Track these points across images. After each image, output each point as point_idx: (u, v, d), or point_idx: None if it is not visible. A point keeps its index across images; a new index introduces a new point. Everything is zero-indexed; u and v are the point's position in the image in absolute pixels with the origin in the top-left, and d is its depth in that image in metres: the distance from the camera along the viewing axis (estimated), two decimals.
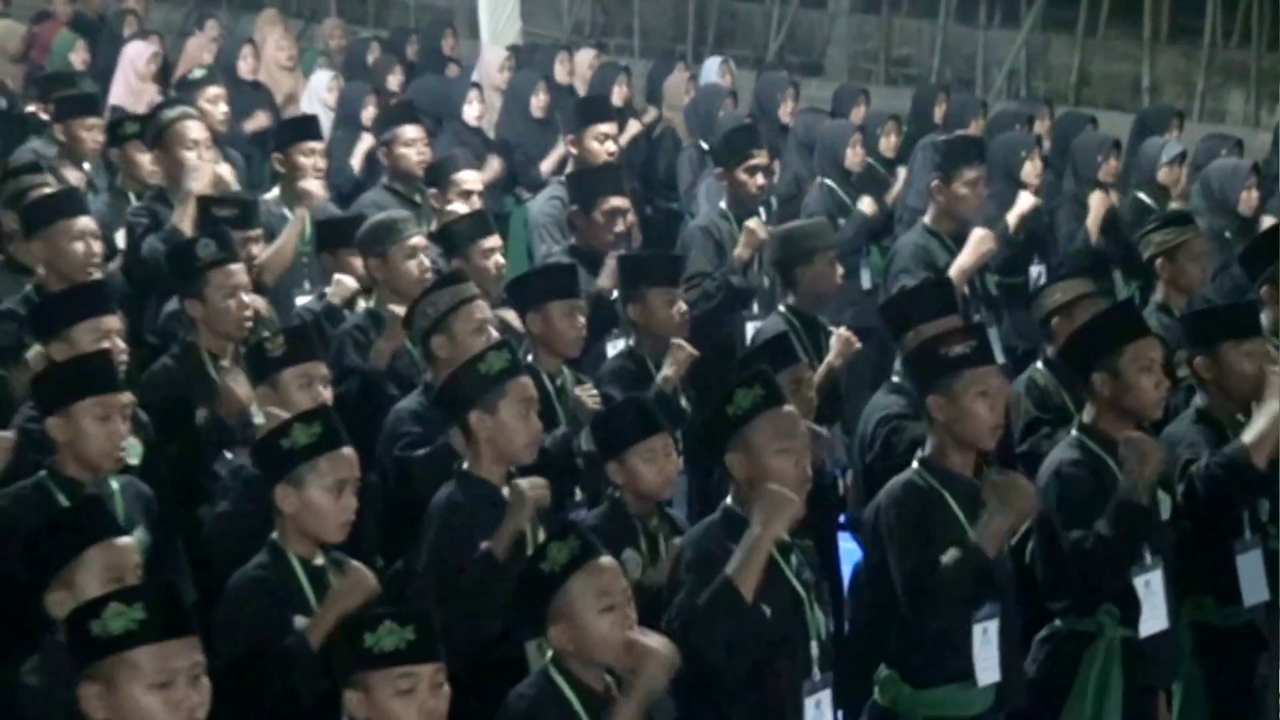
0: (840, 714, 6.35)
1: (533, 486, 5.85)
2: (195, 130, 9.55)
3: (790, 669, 5.52)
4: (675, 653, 4.87)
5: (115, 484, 6.02)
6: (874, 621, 5.99)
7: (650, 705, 4.87)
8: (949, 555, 5.68)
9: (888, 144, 12.08)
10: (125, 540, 5.06)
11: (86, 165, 10.37)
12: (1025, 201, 9.80)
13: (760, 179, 9.65)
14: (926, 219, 9.09)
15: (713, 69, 14.49)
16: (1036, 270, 9.81)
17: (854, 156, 11.19)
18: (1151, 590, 6.13)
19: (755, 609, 5.31)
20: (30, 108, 13.33)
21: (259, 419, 6.40)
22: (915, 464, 5.99)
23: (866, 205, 10.30)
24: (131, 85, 14.06)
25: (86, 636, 4.11)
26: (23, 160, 10.38)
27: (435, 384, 6.67)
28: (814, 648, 5.60)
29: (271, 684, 5.20)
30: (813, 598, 5.62)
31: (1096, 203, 10.13)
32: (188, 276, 7.36)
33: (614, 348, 8.15)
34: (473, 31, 15.93)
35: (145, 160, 9.80)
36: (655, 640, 4.85)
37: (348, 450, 5.55)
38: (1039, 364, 7.38)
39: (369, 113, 12.61)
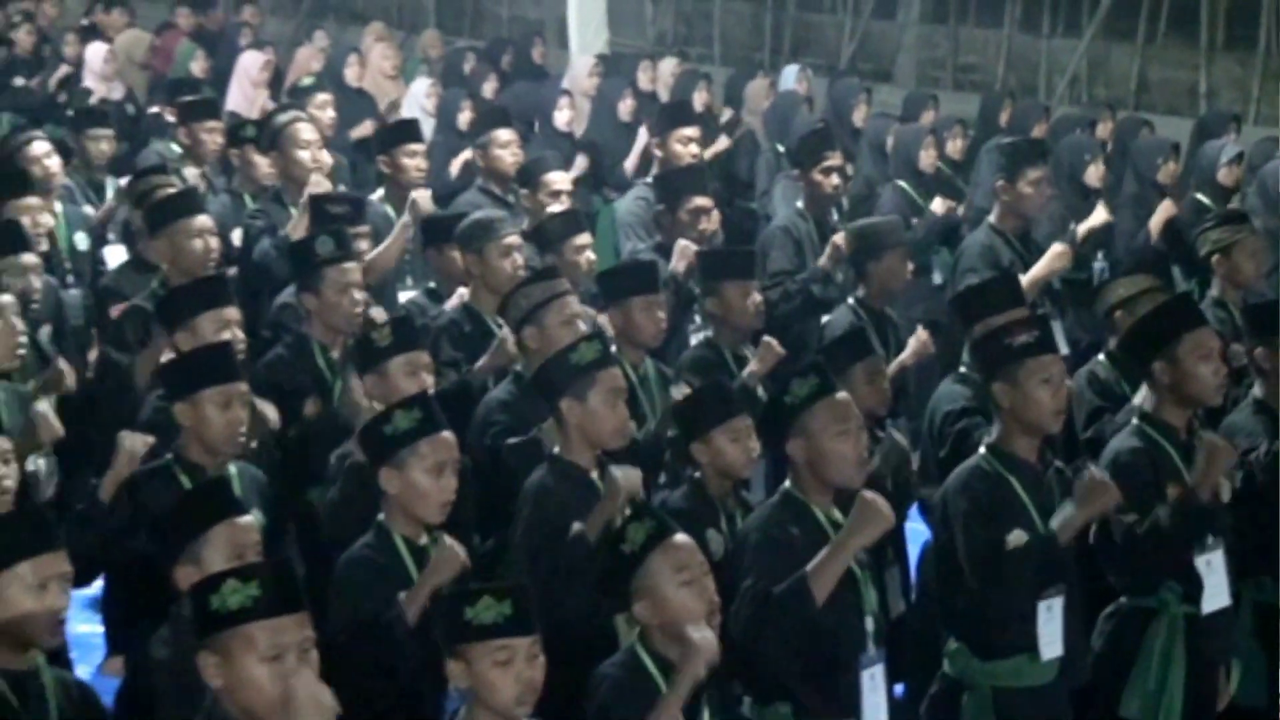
0: (902, 686, 6.40)
1: (627, 477, 5.85)
2: (308, 132, 9.63)
3: (848, 645, 5.51)
4: (715, 647, 4.85)
5: (233, 468, 6.04)
6: (942, 598, 5.97)
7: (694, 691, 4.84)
8: (1015, 536, 5.69)
9: (954, 147, 12.04)
10: (247, 519, 5.09)
11: (206, 166, 10.45)
12: (1098, 216, 9.76)
13: (835, 179, 9.61)
14: (992, 218, 9.06)
15: (790, 76, 14.44)
16: (1099, 266, 9.76)
17: (927, 159, 11.14)
18: (1213, 569, 6.11)
19: (822, 612, 5.32)
20: (154, 110, 13.48)
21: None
22: (982, 449, 5.97)
23: (938, 206, 10.26)
24: (246, 92, 14.17)
25: (206, 610, 4.13)
26: (148, 162, 10.49)
27: (526, 374, 6.69)
28: (869, 623, 5.58)
29: (375, 656, 5.25)
30: (867, 577, 5.60)
31: (1164, 207, 10.11)
32: (305, 271, 7.40)
33: (695, 338, 8.15)
34: (562, 42, 15.94)
35: (261, 162, 9.87)
36: (699, 634, 4.83)
37: (447, 434, 5.58)
38: (1101, 356, 7.34)
39: (465, 117, 12.67)
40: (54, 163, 9.71)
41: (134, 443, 6.02)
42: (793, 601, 5.28)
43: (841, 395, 5.70)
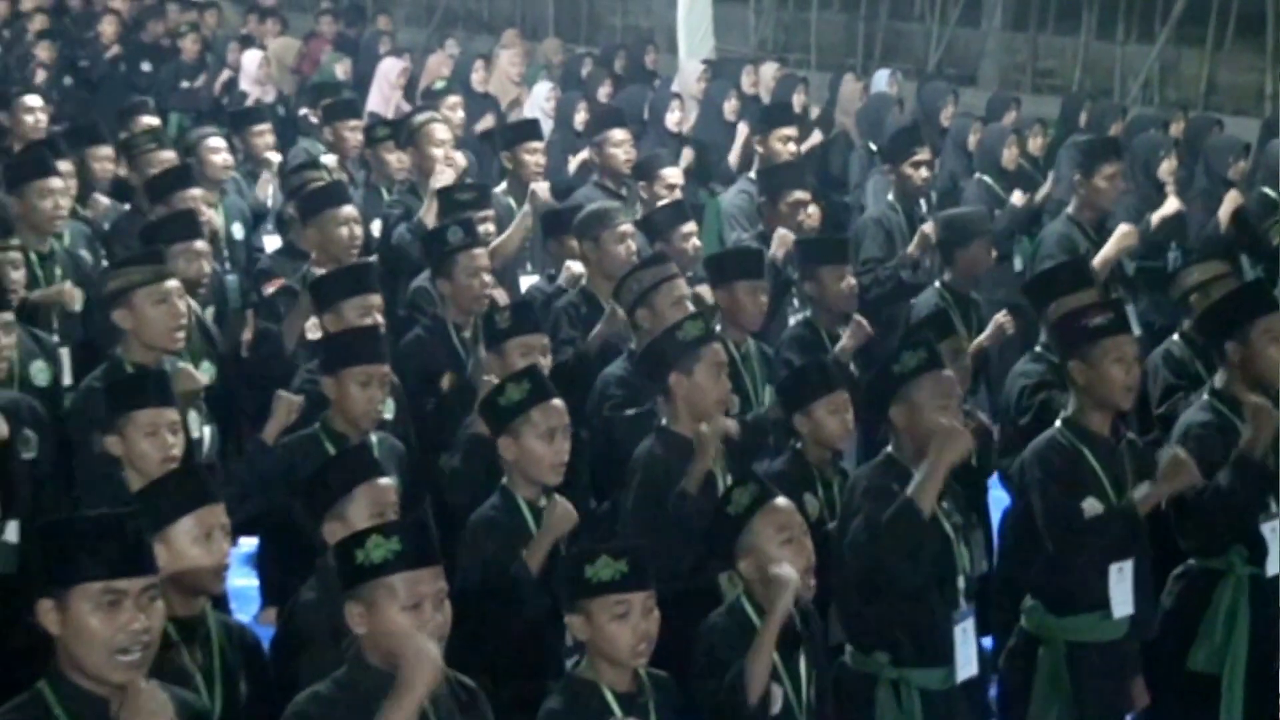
0: (991, 639, 6.36)
1: (712, 430, 5.88)
2: (441, 131, 9.70)
3: (941, 598, 5.49)
4: (798, 580, 4.85)
5: (374, 437, 6.08)
6: (1021, 559, 5.95)
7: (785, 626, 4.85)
8: (1090, 504, 5.67)
9: (1035, 145, 12.05)
10: (386, 480, 5.12)
11: (347, 162, 10.53)
12: (1170, 205, 9.68)
13: (924, 173, 9.57)
14: (1070, 210, 9.00)
15: (882, 79, 14.39)
16: (1173, 255, 9.67)
17: (1010, 156, 11.11)
18: (1278, 535, 6.05)
19: (931, 523, 5.30)
20: (302, 111, 13.59)
21: None
22: (1058, 423, 5.94)
23: (1018, 199, 10.20)
24: (385, 95, 14.26)
25: (352, 563, 4.15)
26: (298, 159, 10.59)
27: (639, 351, 6.70)
28: (960, 581, 5.55)
29: (501, 607, 5.28)
30: (960, 538, 5.56)
31: (1231, 198, 9.99)
32: (438, 258, 7.44)
33: (792, 320, 8.15)
34: (671, 48, 15.93)
35: (394, 159, 9.95)
36: (782, 569, 4.84)
37: (556, 401, 5.60)
38: (1175, 337, 7.25)
39: (580, 118, 12.70)
40: (224, 158, 9.81)
41: (290, 398, 6.10)
42: (904, 516, 5.25)
43: (946, 372, 5.67)
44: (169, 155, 9.52)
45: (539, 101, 13.60)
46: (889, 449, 5.63)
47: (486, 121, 13.20)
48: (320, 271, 7.60)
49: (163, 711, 3.67)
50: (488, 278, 7.42)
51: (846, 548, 5.41)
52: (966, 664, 5.50)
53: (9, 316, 6.25)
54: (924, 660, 5.46)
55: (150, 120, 10.76)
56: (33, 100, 10.93)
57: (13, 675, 4.10)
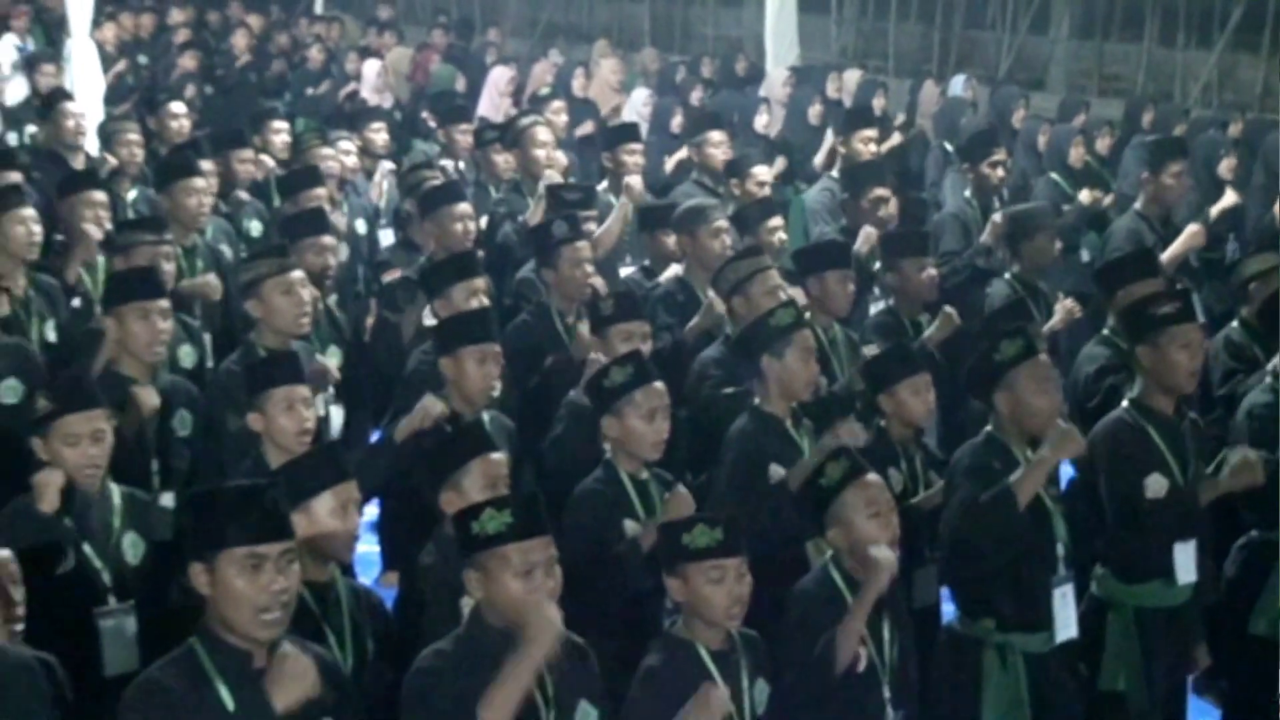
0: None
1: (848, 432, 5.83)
2: (544, 134, 9.74)
3: (1041, 566, 5.46)
4: (895, 564, 4.85)
5: (486, 415, 6.09)
6: (1089, 530, 5.89)
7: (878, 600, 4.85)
8: (1154, 481, 5.65)
9: (1103, 144, 12.00)
10: (498, 455, 5.13)
11: (460, 163, 10.58)
12: (1229, 199, 9.64)
13: (1000, 172, 9.52)
14: (1137, 205, 8.94)
15: (957, 85, 14.34)
16: (1231, 247, 9.59)
17: (1076, 155, 11.07)
18: None
19: (1022, 517, 5.28)
20: (424, 115, 13.69)
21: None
22: (1125, 403, 5.90)
23: (1085, 196, 10.12)
24: (494, 101, 14.33)
25: (469, 534, 4.17)
26: (415, 159, 10.66)
27: (734, 336, 6.70)
28: (1059, 549, 5.52)
29: (607, 574, 5.29)
30: (1058, 509, 5.55)
31: None
32: (544, 250, 7.46)
33: (874, 308, 8.13)
34: (760, 56, 15.87)
35: (502, 160, 9.98)
36: (881, 553, 4.82)
37: (658, 384, 5.59)
38: (1235, 323, 7.18)
39: (676, 122, 12.72)
40: (351, 160, 9.88)
41: (434, 403, 6.04)
42: (1000, 504, 5.25)
43: (1043, 358, 5.64)
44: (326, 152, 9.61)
45: (637, 106, 13.62)
46: (989, 428, 5.61)
47: (586, 126, 13.23)
48: None
49: (307, 675, 3.70)
50: (590, 268, 7.43)
51: (945, 523, 5.42)
52: (1065, 626, 5.48)
53: (166, 304, 6.31)
54: (1027, 626, 5.45)
55: (281, 124, 10.84)
56: (177, 107, 11.03)
57: (168, 632, 4.13)
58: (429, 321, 7.12)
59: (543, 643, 4.00)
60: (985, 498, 5.25)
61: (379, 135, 10.90)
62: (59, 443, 5.18)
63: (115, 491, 5.28)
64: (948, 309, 7.36)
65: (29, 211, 7.45)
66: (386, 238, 9.84)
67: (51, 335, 7.29)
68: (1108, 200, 10.35)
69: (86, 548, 5.13)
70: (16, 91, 13.84)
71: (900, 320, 7.51)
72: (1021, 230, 8.08)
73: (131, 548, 5.20)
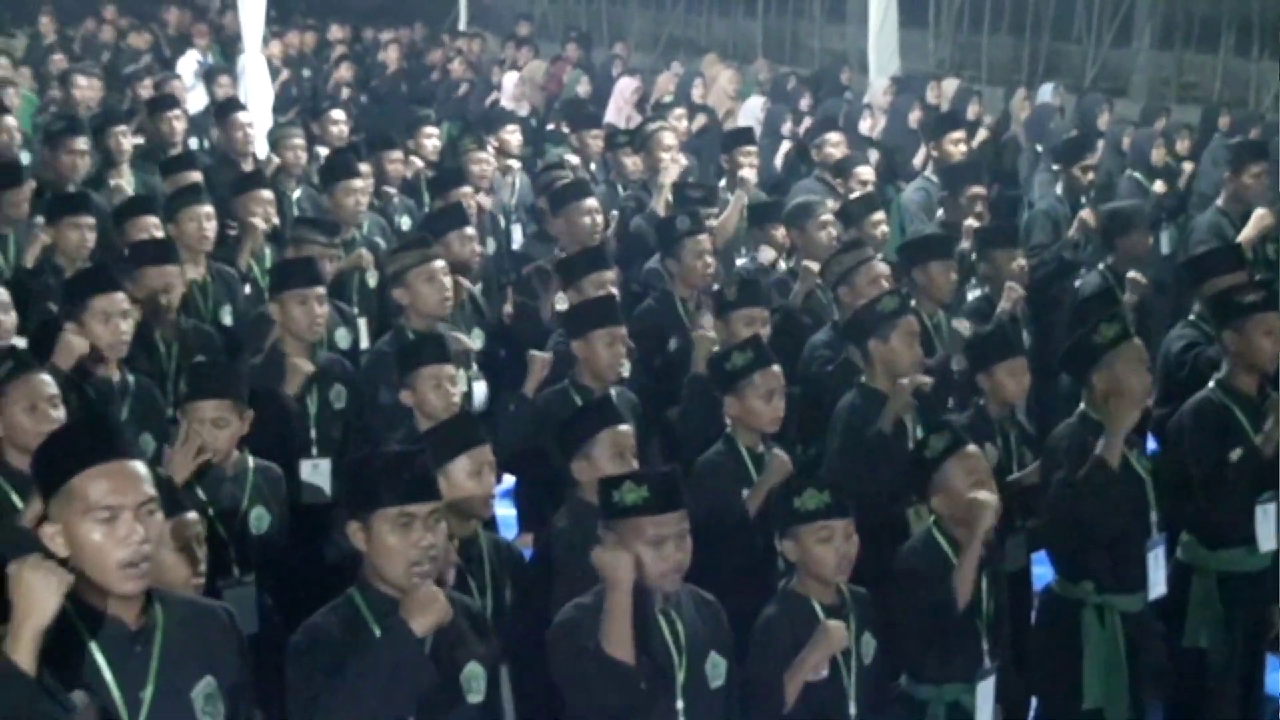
0: None
1: (910, 384, 5.83)
2: (669, 138, 9.76)
3: (1137, 531, 5.39)
4: (997, 505, 4.80)
5: (614, 391, 6.09)
6: (1176, 500, 5.77)
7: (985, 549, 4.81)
8: (1236, 454, 5.54)
9: (1181, 147, 11.83)
10: (626, 427, 5.12)
11: (592, 164, 10.58)
12: None
13: (1090, 175, 9.43)
14: (1219, 202, 8.81)
15: (1046, 92, 14.14)
16: None
17: (1158, 156, 10.94)
18: None
19: (1125, 469, 5.25)
20: (549, 126, 13.72)
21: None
22: (1211, 383, 5.83)
23: (1159, 188, 10.01)
24: (621, 109, 14.30)
25: (609, 501, 4.15)
26: (549, 161, 10.67)
27: (841, 321, 6.65)
28: (1152, 515, 5.45)
29: (725, 538, 5.25)
30: (1151, 479, 5.48)
31: None
32: (669, 242, 7.46)
33: (970, 295, 8.04)
34: (863, 67, 15.76)
35: (630, 162, 9.99)
36: (984, 493, 4.78)
37: (775, 367, 5.56)
38: None
39: (787, 127, 12.64)
40: (491, 164, 9.92)
41: (541, 356, 6.15)
42: (1097, 473, 5.22)
43: (1137, 341, 5.56)
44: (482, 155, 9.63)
45: (752, 112, 13.56)
46: (1083, 408, 5.54)
47: (703, 127, 13.21)
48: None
49: (436, 600, 3.69)
50: (710, 259, 7.43)
51: (1050, 500, 5.36)
52: (1157, 585, 5.44)
53: (323, 291, 6.37)
54: (1123, 587, 5.41)
55: (430, 130, 10.90)
56: (337, 114, 11.13)
57: (328, 585, 4.16)
58: (561, 307, 7.13)
59: (622, 589, 3.99)
60: (1083, 473, 5.22)
61: (513, 137, 10.92)
62: (195, 423, 5.17)
63: (250, 468, 5.26)
64: (1010, 284, 7.33)
65: (206, 209, 7.55)
66: (517, 231, 9.86)
67: (227, 318, 7.40)
68: (1182, 180, 10.18)
69: (215, 521, 5.09)
70: (198, 101, 14.02)
71: (993, 305, 7.41)
72: (1118, 226, 7.99)
73: (257, 521, 5.20)
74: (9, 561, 3.16)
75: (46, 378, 5.05)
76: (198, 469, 5.09)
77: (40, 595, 3.07)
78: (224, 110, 10.73)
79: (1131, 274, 7.54)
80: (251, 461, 5.30)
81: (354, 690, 3.58)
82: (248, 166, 9.78)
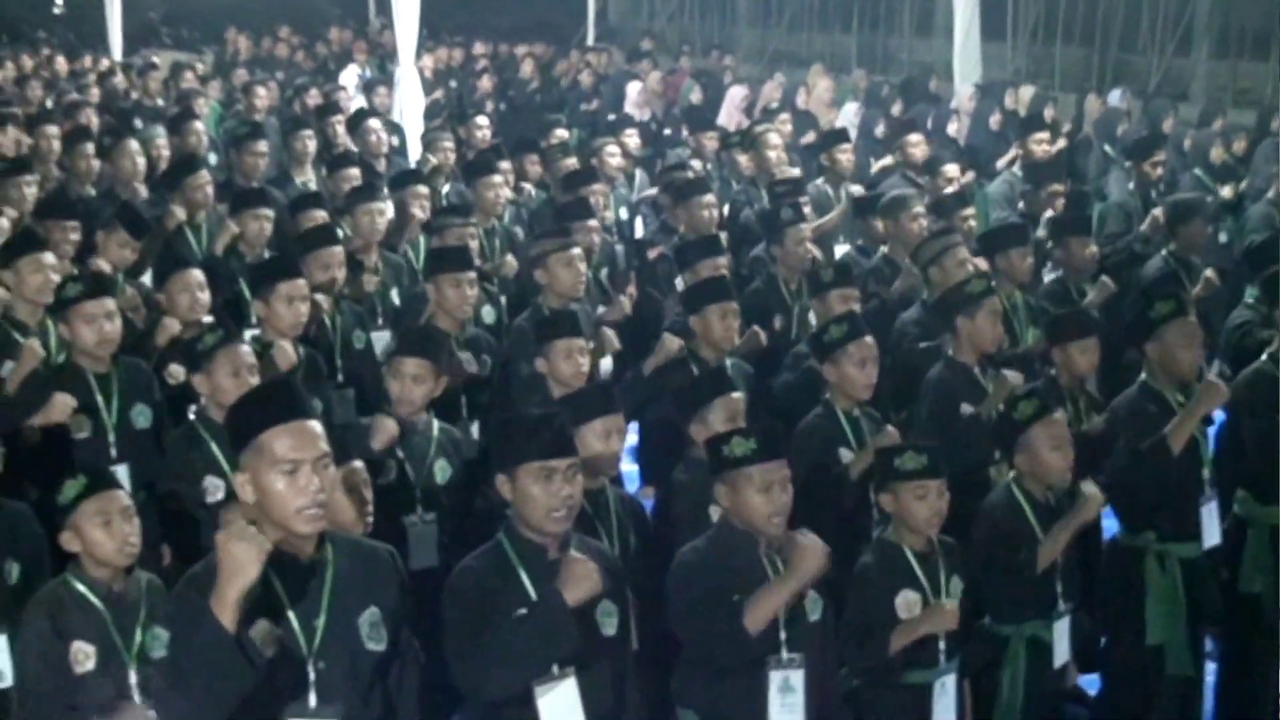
0: None
1: (1011, 376, 5.71)
2: (775, 139, 9.72)
3: (1192, 488, 5.30)
4: (1102, 498, 4.76)
5: (728, 361, 6.07)
6: (1233, 459, 5.68)
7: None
8: None
9: (1238, 146, 11.59)
10: (737, 394, 5.10)
11: (707, 164, 10.54)
12: None
13: (1159, 171, 9.27)
14: (1270, 194, 8.61)
15: (1115, 97, 13.89)
16: None
17: (1217, 155, 10.69)
18: None
19: (1177, 461, 5.15)
20: (667, 129, 13.69)
21: None
22: (1264, 356, 5.71)
23: (1226, 191, 9.80)
24: (732, 114, 14.27)
25: (720, 456, 4.13)
26: (669, 161, 10.66)
27: (930, 301, 6.57)
28: (1205, 473, 5.35)
29: (825, 493, 5.21)
30: (1205, 441, 5.39)
31: None
32: (772, 231, 7.42)
33: (1046, 278, 7.91)
34: (949, 76, 15.55)
35: (741, 160, 9.93)
36: (1092, 488, 4.73)
37: (868, 338, 5.50)
38: None
39: (879, 130, 12.53)
40: (617, 161, 9.93)
41: (672, 342, 6.09)
42: (1155, 451, 5.15)
43: (1191, 318, 5.45)
44: (572, 161, 9.67)
45: (848, 116, 13.48)
46: (1144, 377, 5.44)
47: (808, 136, 13.11)
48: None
49: (591, 576, 3.69)
50: (809, 245, 7.37)
51: (1112, 465, 5.28)
52: (1210, 535, 5.35)
53: (473, 275, 6.39)
54: (1180, 537, 5.31)
55: (562, 133, 10.91)
56: (481, 120, 11.19)
57: (477, 531, 4.18)
58: (679, 288, 7.12)
59: (807, 570, 3.98)
60: (1145, 446, 5.14)
61: (632, 140, 10.93)
62: (392, 379, 5.23)
63: (435, 426, 5.31)
64: (1104, 278, 7.18)
65: (379, 204, 7.62)
66: (638, 223, 9.85)
67: (396, 299, 7.45)
68: (1242, 187, 9.95)
69: (405, 466, 5.18)
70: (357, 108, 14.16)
71: (1068, 289, 7.31)
72: (1179, 216, 7.84)
73: (440, 471, 5.23)
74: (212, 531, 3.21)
75: (247, 348, 5.20)
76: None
77: (244, 561, 3.11)
78: (356, 119, 10.70)
79: (1208, 273, 7.39)
80: (436, 422, 5.33)
81: (506, 645, 3.59)
82: (380, 167, 9.86)
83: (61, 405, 5.29)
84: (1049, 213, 8.28)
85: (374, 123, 10.47)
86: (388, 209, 7.87)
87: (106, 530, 4.05)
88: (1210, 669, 5.80)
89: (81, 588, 4.06)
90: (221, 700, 3.12)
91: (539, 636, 3.61)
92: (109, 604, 4.06)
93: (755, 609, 3.97)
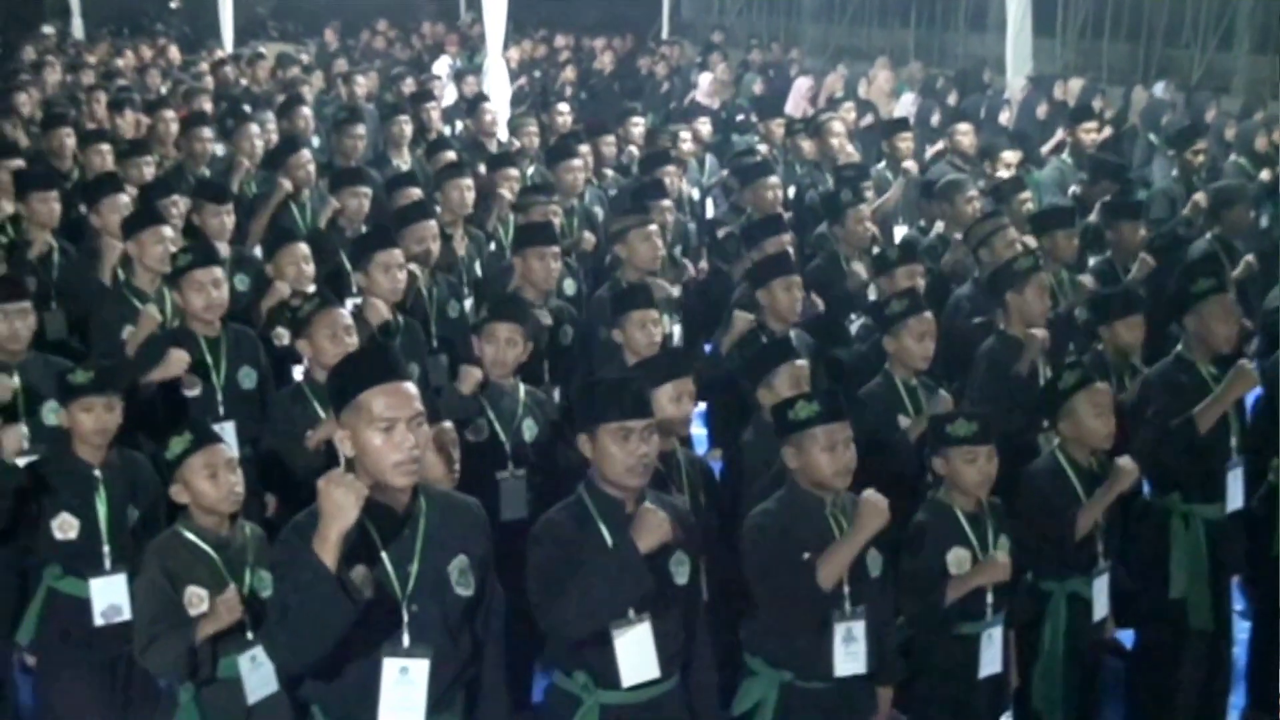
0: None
1: (1040, 335, 5.67)
2: (838, 126, 9.66)
3: (1219, 454, 5.20)
4: (1136, 472, 4.66)
5: (793, 332, 6.03)
6: (1266, 430, 5.56)
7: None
8: None
9: (1278, 136, 11.24)
10: (802, 362, 5.07)
11: (774, 149, 10.47)
12: None
13: (1200, 159, 9.07)
14: None
15: (1159, 89, 13.66)
16: None
17: (1261, 143, 10.49)
18: None
19: (1204, 438, 5.06)
20: (740, 117, 13.63)
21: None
22: None
23: (1265, 175, 9.56)
24: (798, 103, 14.19)
25: (786, 419, 4.12)
26: (738, 148, 10.61)
27: (982, 278, 6.48)
28: (1233, 440, 5.24)
29: (883, 458, 5.17)
30: (1236, 413, 5.27)
31: None
32: (834, 211, 7.36)
33: (1091, 261, 7.79)
34: (1001, 69, 15.35)
35: (806, 146, 9.86)
36: (1129, 464, 4.65)
37: (927, 313, 5.46)
38: None
39: (935, 119, 12.40)
40: (688, 146, 9.88)
41: (744, 319, 6.07)
42: (1184, 430, 5.08)
43: (1229, 295, 5.36)
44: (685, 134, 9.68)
45: (906, 106, 13.35)
46: (1179, 348, 5.35)
47: (867, 120, 12.98)
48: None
49: (663, 526, 3.68)
50: (869, 224, 7.32)
51: (1142, 435, 5.19)
52: (1235, 499, 5.25)
53: (557, 249, 6.39)
54: (1205, 498, 5.23)
55: (638, 120, 10.88)
56: (563, 107, 11.19)
57: (560, 487, 4.18)
58: (746, 265, 7.07)
59: (872, 525, 3.98)
60: (1174, 425, 5.07)
61: (704, 127, 10.90)
62: (486, 343, 5.24)
63: (521, 389, 5.31)
64: (1143, 255, 7.07)
65: (467, 180, 7.64)
66: (709, 203, 9.82)
67: (478, 270, 7.48)
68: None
69: (496, 425, 5.20)
70: (449, 96, 14.20)
71: (1115, 269, 7.19)
72: (1223, 201, 7.72)
73: (528, 430, 5.24)
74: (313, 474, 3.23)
75: (344, 312, 5.22)
76: (480, 385, 5.18)
77: (343, 504, 3.12)
78: (474, 103, 10.87)
79: (1248, 257, 7.26)
80: (523, 385, 5.34)
81: (586, 586, 3.60)
82: (492, 147, 9.88)
83: (178, 360, 5.33)
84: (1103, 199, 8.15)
85: (489, 105, 10.57)
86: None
87: (213, 481, 4.09)
88: (1244, 628, 5.71)
89: (191, 536, 4.10)
90: (324, 634, 3.14)
91: (614, 580, 3.61)
92: (218, 549, 4.10)
93: (826, 566, 3.96)
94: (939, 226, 7.76)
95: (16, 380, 5.20)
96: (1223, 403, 5.07)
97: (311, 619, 3.11)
